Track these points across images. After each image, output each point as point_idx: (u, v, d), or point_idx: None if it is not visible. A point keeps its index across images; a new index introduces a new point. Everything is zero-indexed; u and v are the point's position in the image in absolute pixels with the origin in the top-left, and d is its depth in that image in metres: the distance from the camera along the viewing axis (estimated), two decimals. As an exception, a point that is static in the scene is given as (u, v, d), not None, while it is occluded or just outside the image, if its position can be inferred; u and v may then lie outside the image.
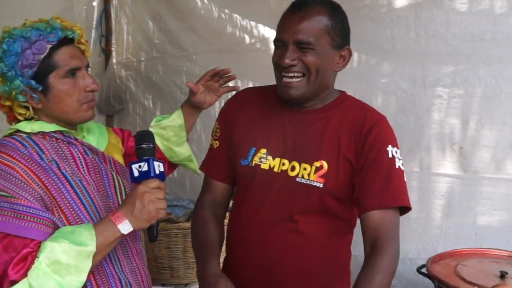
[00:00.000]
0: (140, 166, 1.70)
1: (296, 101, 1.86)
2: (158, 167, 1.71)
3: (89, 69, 1.83)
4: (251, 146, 1.92)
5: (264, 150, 1.90)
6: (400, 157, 1.83)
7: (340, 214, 1.90)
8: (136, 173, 1.70)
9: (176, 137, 2.18)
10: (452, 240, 2.85)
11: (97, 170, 1.82)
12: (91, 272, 1.70)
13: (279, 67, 1.83)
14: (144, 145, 1.73)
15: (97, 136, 1.93)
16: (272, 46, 1.90)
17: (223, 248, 2.03)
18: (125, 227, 1.66)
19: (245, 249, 1.93)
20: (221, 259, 2.01)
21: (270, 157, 1.89)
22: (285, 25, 1.82)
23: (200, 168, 2.11)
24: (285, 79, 1.82)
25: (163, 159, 2.19)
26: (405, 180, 1.84)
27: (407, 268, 2.93)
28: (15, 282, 1.58)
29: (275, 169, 1.88)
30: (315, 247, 1.89)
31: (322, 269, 1.91)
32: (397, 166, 1.81)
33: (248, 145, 1.93)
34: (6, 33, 1.75)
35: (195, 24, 4.00)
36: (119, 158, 1.96)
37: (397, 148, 1.84)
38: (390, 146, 1.82)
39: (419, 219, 2.95)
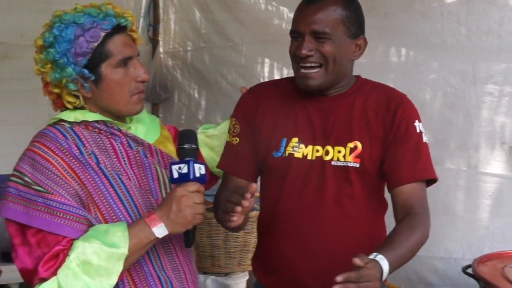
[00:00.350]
0: (180, 168, 1.64)
1: (315, 91, 1.89)
2: (199, 169, 1.65)
3: (139, 57, 1.78)
4: (282, 137, 1.92)
5: (295, 139, 1.91)
6: (424, 132, 1.90)
7: (378, 194, 1.94)
8: (175, 175, 1.64)
9: (221, 147, 2.09)
10: (499, 241, 2.79)
11: (139, 163, 1.76)
12: (128, 271, 1.67)
13: (296, 58, 1.86)
14: (185, 146, 1.67)
15: (147, 127, 1.86)
16: None
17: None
18: (159, 230, 1.62)
19: (289, 241, 1.92)
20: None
21: (302, 145, 1.90)
22: (300, 16, 1.86)
23: (218, 166, 2.05)
24: (302, 70, 1.85)
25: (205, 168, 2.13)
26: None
27: (451, 268, 2.88)
28: (45, 279, 1.57)
29: (309, 157, 1.89)
30: (360, 229, 1.90)
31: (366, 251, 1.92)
32: (424, 141, 1.88)
33: (278, 136, 1.93)
34: (57, 17, 1.69)
35: (242, 15, 4.00)
36: (172, 149, 1.89)
37: (421, 123, 1.91)
38: (416, 121, 1.89)
39: (465, 219, 2.90)
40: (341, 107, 1.91)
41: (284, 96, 1.97)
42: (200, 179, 1.66)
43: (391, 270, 1.61)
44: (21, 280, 1.67)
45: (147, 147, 1.81)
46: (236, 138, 1.98)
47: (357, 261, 1.51)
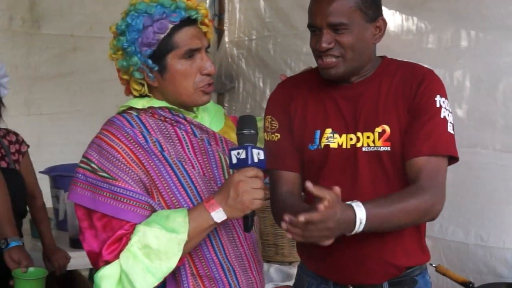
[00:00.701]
0: (238, 153, 1.65)
1: (339, 79, 1.89)
2: (257, 155, 1.65)
3: (208, 50, 1.77)
4: (315, 129, 1.92)
5: (329, 130, 1.91)
6: (448, 108, 1.86)
7: None
8: (234, 160, 1.65)
9: None
10: None
11: (203, 151, 1.78)
12: (191, 256, 1.70)
13: (317, 52, 1.86)
14: (245, 131, 1.68)
15: (212, 115, 1.88)
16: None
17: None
18: (218, 215, 1.63)
19: None
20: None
21: (336, 135, 1.90)
22: (316, 9, 1.84)
23: (266, 167, 2.05)
24: (325, 59, 1.85)
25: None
26: (452, 131, 1.85)
27: (523, 259, 2.80)
28: (108, 262, 1.62)
29: (344, 146, 1.89)
30: None
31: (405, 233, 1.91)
32: (442, 116, 1.84)
33: (311, 129, 1.93)
34: (132, 6, 1.72)
35: (306, 2, 3.92)
36: (236, 138, 1.85)
37: (446, 98, 1.87)
38: (438, 96, 1.85)
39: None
40: (367, 92, 1.90)
41: (312, 88, 1.97)
42: (259, 164, 1.66)
43: (370, 224, 1.64)
44: (90, 266, 1.73)
45: (212, 135, 1.82)
46: (276, 134, 1.98)
47: (310, 186, 1.57)
